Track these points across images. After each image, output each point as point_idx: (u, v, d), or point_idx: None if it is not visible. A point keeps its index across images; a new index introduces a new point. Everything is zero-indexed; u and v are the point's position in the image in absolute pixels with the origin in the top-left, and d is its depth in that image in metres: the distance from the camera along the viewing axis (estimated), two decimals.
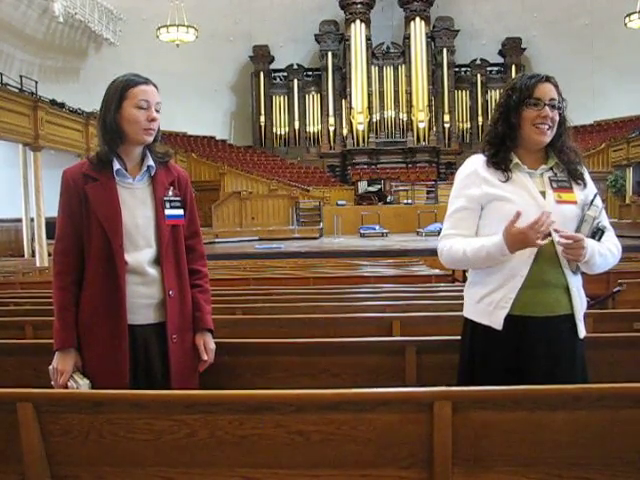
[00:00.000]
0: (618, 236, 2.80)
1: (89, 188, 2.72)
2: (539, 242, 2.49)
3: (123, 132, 2.75)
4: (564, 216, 2.65)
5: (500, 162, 2.73)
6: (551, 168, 2.77)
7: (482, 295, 2.72)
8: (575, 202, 2.71)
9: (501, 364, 2.65)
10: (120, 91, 2.74)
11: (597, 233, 2.66)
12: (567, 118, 2.79)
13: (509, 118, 2.72)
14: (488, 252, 2.61)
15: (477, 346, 2.74)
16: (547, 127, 2.68)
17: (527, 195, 2.68)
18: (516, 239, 2.51)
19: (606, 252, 2.68)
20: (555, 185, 2.72)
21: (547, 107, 2.67)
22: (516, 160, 2.73)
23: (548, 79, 2.72)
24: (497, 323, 2.65)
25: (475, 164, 2.80)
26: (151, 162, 2.83)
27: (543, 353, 2.62)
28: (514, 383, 2.36)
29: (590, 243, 2.61)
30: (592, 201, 2.70)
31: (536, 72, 2.78)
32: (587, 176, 2.82)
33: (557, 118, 2.71)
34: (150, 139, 2.79)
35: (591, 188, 2.80)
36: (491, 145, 2.78)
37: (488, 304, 2.69)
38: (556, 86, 2.73)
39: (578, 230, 2.65)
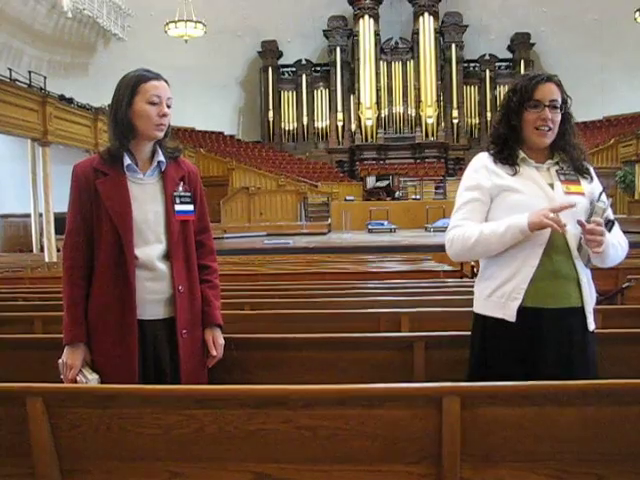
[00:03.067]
0: (627, 232, 2.80)
1: (99, 183, 2.72)
2: (553, 223, 2.49)
3: (134, 127, 2.75)
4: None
5: (507, 157, 2.74)
6: (557, 162, 2.77)
7: (493, 288, 2.71)
8: (583, 194, 2.71)
9: (513, 358, 2.65)
10: (132, 86, 2.74)
11: (607, 224, 2.65)
12: (572, 116, 2.78)
13: (510, 120, 2.74)
14: (508, 226, 2.58)
15: (489, 341, 2.74)
16: (547, 129, 2.68)
17: (536, 187, 2.68)
18: (539, 214, 2.51)
19: (617, 244, 2.70)
20: (563, 177, 2.72)
21: (547, 109, 2.66)
22: (522, 155, 2.74)
23: (550, 79, 2.71)
24: (510, 315, 2.64)
25: (483, 160, 2.81)
26: (161, 157, 2.83)
27: (555, 345, 2.62)
28: (526, 377, 2.36)
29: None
30: (600, 195, 2.70)
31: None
32: (593, 172, 2.83)
33: (558, 119, 2.70)
34: (161, 134, 2.79)
35: (597, 184, 2.81)
36: (495, 145, 2.81)
37: (500, 296, 2.68)
38: (558, 85, 2.71)
39: (588, 222, 2.65)
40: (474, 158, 2.89)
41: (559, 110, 2.70)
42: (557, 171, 2.74)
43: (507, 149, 2.75)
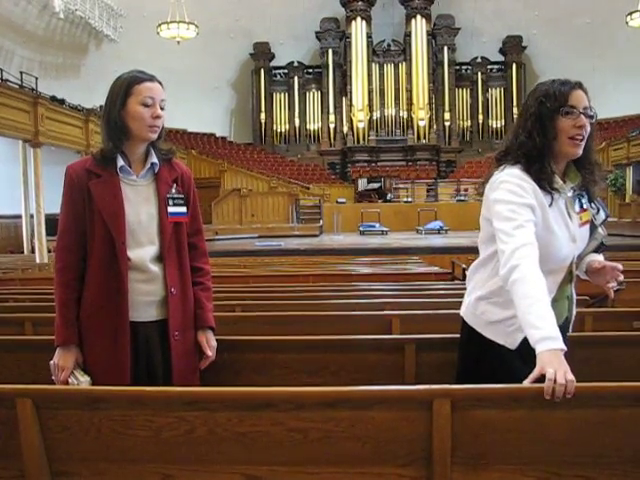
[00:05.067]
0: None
1: (93, 184, 2.72)
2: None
3: (128, 129, 2.74)
4: (584, 238, 2.63)
5: (545, 181, 2.50)
6: (572, 188, 2.60)
7: (504, 317, 2.56)
8: (590, 221, 2.65)
9: (511, 375, 2.59)
10: (125, 88, 2.73)
11: (600, 247, 2.71)
12: (594, 130, 2.56)
13: (545, 128, 2.49)
14: (533, 326, 2.23)
15: (490, 360, 2.63)
16: (582, 138, 2.49)
17: (564, 225, 2.54)
18: (555, 361, 2.13)
19: None
20: (578, 208, 2.60)
21: (582, 116, 2.48)
22: (560, 182, 2.53)
23: (580, 86, 2.53)
24: (513, 344, 2.55)
25: (528, 180, 2.50)
26: (155, 159, 2.83)
27: None
28: None
29: (597, 257, 2.68)
30: (603, 222, 2.68)
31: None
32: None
33: (589, 129, 2.50)
34: (154, 136, 2.79)
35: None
36: (530, 159, 2.52)
37: (509, 325, 2.55)
38: (586, 93, 2.53)
39: (587, 246, 2.64)
40: (511, 176, 2.52)
41: (590, 119, 2.51)
42: (573, 197, 2.60)
43: (547, 168, 2.51)
